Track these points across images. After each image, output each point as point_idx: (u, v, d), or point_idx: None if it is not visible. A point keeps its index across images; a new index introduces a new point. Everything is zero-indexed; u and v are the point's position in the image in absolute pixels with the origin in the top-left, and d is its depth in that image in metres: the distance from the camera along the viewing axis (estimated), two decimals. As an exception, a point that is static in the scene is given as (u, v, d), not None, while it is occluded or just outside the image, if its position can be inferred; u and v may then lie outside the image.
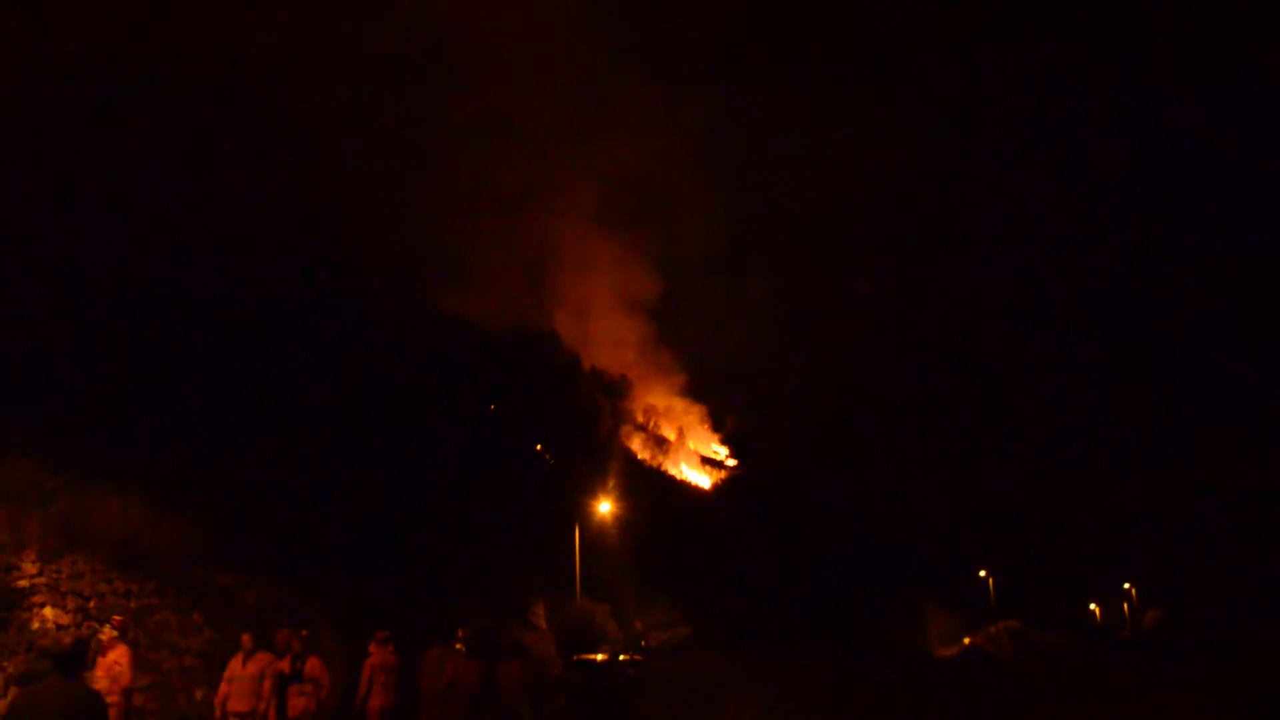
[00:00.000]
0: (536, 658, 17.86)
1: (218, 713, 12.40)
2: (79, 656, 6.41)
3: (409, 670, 14.23)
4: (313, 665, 12.89)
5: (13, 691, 12.46)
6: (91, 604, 14.62)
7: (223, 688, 12.45)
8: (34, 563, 14.37)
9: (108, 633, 13.15)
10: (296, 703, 12.54)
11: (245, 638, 12.74)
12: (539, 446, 49.51)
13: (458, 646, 14.07)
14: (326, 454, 26.22)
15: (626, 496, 39.50)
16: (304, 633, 13.46)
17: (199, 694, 15.39)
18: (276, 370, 27.47)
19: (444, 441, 34.73)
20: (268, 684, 12.35)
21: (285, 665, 12.69)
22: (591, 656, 24.02)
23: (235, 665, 12.49)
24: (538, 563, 31.42)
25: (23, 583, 14.03)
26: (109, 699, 11.34)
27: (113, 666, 12.09)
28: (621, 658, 24.42)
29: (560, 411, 54.06)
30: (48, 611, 13.96)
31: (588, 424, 60.19)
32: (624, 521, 38.33)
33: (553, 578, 31.41)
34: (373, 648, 13.97)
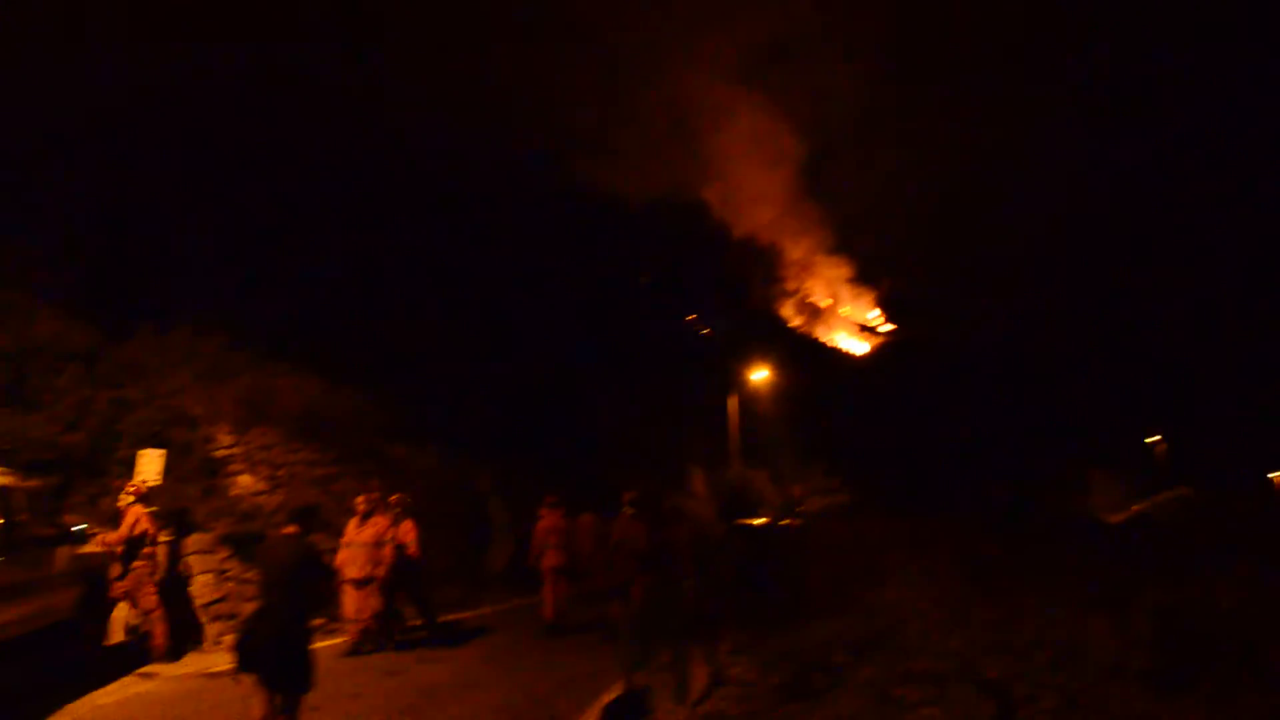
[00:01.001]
0: (699, 522, 18.19)
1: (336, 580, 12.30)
2: (309, 518, 7.55)
3: (575, 533, 14.81)
4: (406, 529, 12.89)
5: (223, 551, 13.56)
6: (281, 472, 15.62)
7: (341, 554, 12.32)
8: (229, 434, 15.42)
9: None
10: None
11: (359, 501, 12.61)
12: (692, 317, 49.74)
13: (625, 510, 14.46)
14: (490, 330, 26.96)
15: (780, 364, 39.31)
16: (406, 496, 13.44)
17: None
18: (436, 248, 28.17)
19: (599, 316, 35.21)
20: (388, 550, 12.28)
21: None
22: (751, 521, 24.39)
23: (350, 530, 12.45)
24: (695, 432, 31.86)
25: (221, 453, 15.11)
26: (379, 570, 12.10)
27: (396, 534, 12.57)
28: (782, 522, 24.74)
29: (711, 281, 53.90)
30: (244, 479, 15.01)
31: (739, 292, 59.95)
32: (779, 389, 38.28)
33: (710, 446, 31.86)
34: (543, 512, 14.59)
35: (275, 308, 19.02)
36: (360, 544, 12.24)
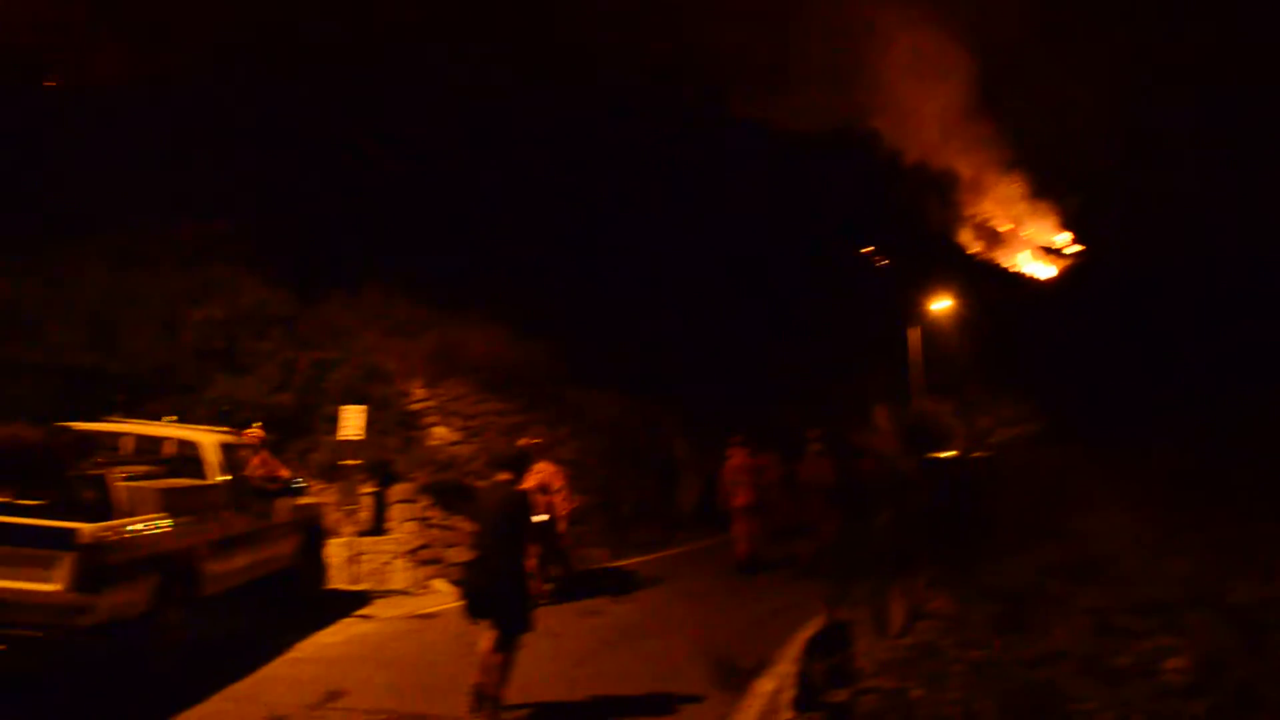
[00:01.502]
0: (886, 457, 17.84)
1: None
2: (519, 464, 7.71)
3: (762, 471, 14.76)
4: (552, 475, 12.63)
5: (424, 500, 14.16)
6: (473, 422, 16.14)
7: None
8: (422, 388, 16.03)
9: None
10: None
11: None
12: (869, 249, 48.48)
13: (811, 448, 14.27)
14: (667, 271, 26.88)
15: (963, 292, 37.87)
16: (542, 441, 13.24)
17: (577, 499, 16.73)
18: (605, 193, 28.25)
19: (775, 252, 34.66)
20: (559, 499, 12.10)
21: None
22: (941, 455, 23.73)
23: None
24: (877, 366, 31.16)
25: (416, 406, 15.72)
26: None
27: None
28: (973, 455, 23.96)
29: (888, 211, 52.30)
30: (439, 430, 15.58)
31: (917, 221, 57.98)
32: (962, 319, 36.92)
33: (893, 380, 31.13)
34: (730, 451, 14.59)
35: (456, 264, 19.54)
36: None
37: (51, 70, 22.07)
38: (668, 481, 20.35)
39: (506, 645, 7.24)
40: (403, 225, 20.10)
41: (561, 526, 12.43)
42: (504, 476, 7.64)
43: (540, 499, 11.69)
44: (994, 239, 68.19)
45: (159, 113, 19.73)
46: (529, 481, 11.67)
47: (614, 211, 24.82)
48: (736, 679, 8.61)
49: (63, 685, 7.93)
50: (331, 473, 13.76)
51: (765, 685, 8.43)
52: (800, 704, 7.08)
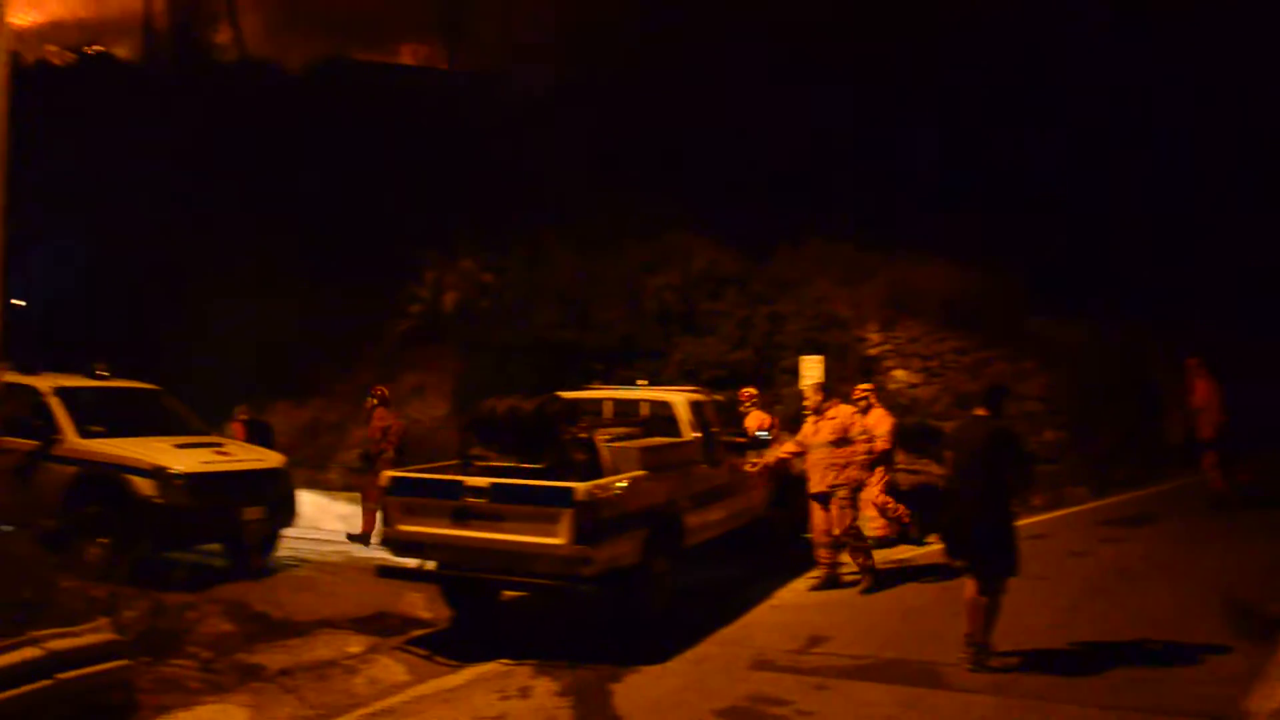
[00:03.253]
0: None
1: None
2: (997, 398, 7.39)
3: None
4: (877, 418, 11.21)
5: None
6: (932, 362, 15.65)
7: (797, 464, 10.41)
8: (877, 332, 15.82)
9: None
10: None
11: (809, 393, 10.30)
12: None
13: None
14: (1145, 182, 23.98)
15: None
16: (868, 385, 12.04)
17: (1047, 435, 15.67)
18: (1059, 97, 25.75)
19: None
20: (859, 448, 9.94)
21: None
22: None
23: (806, 431, 10.05)
24: None
25: (872, 350, 15.57)
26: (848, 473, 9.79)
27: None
28: None
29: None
30: (898, 373, 15.31)
31: None
32: None
33: None
34: (1192, 377, 13.19)
35: (899, 202, 18.99)
36: (820, 445, 9.78)
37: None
38: (1151, 413, 18.40)
39: (990, 589, 6.94)
40: (836, 172, 19.87)
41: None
42: (980, 412, 7.32)
43: (837, 453, 9.76)
44: None
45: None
46: (824, 433, 9.83)
47: (1069, 116, 22.44)
48: (1263, 628, 7.58)
49: (572, 627, 8.81)
50: (795, 424, 14.01)
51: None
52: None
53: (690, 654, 7.66)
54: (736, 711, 6.25)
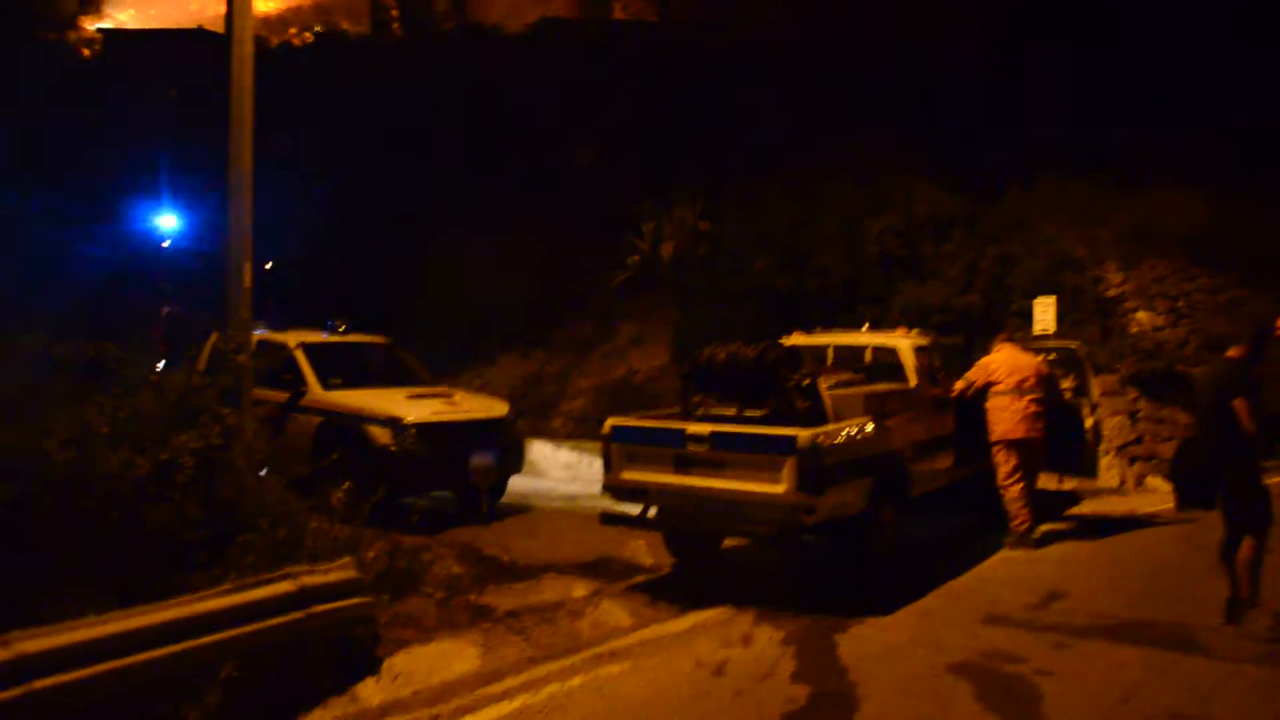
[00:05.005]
0: None
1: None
2: (1258, 341, 6.84)
3: None
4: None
5: (1132, 392, 13.09)
6: (1180, 303, 14.46)
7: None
8: (1116, 271, 14.76)
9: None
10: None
11: (999, 339, 9.98)
12: None
13: None
14: None
15: None
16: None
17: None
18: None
19: None
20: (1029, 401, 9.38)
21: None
22: None
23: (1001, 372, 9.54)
24: None
25: (1111, 291, 14.54)
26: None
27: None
28: None
29: None
30: (1140, 315, 14.24)
31: None
32: None
33: None
34: None
35: (1134, 131, 17.50)
36: (1005, 392, 9.46)
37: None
38: None
39: (1241, 542, 6.37)
40: (1065, 101, 18.49)
41: None
42: (1233, 353, 6.76)
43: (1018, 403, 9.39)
44: None
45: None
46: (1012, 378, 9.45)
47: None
48: None
49: (795, 576, 8.73)
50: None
51: None
52: None
53: (918, 606, 7.44)
54: (969, 668, 6.01)
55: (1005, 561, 8.93)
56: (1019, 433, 9.37)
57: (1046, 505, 10.70)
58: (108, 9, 35.60)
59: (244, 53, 7.90)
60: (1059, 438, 9.87)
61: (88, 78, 28.39)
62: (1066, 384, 10.49)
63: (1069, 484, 12.06)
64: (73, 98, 24.59)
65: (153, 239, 21.31)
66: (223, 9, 8.16)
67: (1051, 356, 10.55)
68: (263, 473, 7.04)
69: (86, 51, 31.43)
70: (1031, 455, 9.49)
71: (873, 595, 7.54)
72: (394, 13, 31.13)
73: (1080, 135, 17.31)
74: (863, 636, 6.71)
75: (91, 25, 33.20)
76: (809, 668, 6.09)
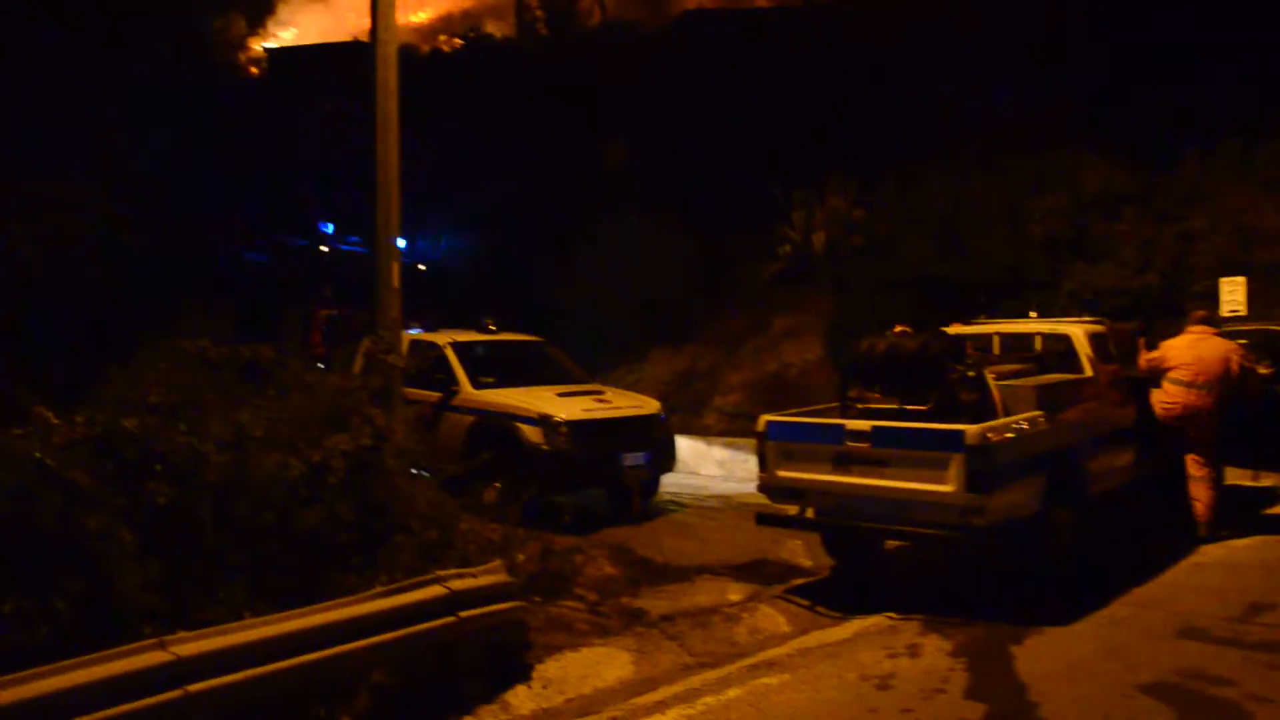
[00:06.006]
0: None
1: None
2: None
3: None
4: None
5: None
6: None
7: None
8: None
9: None
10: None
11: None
12: None
13: None
14: None
15: None
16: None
17: None
18: None
19: None
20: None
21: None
22: None
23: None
24: None
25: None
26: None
27: None
28: None
29: None
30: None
31: None
32: None
33: None
34: None
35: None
36: (1177, 381, 8.96)
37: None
38: None
39: None
40: (1252, 58, 16.94)
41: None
42: None
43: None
44: None
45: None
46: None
47: None
48: None
49: (964, 581, 8.21)
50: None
51: None
52: None
53: (1101, 615, 6.84)
54: (1167, 689, 5.42)
55: (1197, 567, 8.17)
56: (1181, 423, 8.75)
57: (1241, 504, 9.81)
58: (274, 29, 37.27)
59: (388, 52, 7.92)
60: (1256, 430, 9.02)
61: (254, 93, 29.68)
62: (1264, 370, 9.55)
63: (1266, 480, 11.02)
64: (241, 113, 25.71)
65: (313, 245, 22.05)
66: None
67: (1244, 341, 9.65)
68: (418, 472, 7.02)
69: (255, 70, 32.90)
70: (1202, 447, 8.73)
71: (1051, 603, 6.98)
72: (539, 13, 31.42)
73: (1270, 93, 15.89)
74: (1041, 649, 6.19)
75: (258, 45, 34.76)
76: (983, 683, 5.64)
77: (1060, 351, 9.09)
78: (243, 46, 33.90)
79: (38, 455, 5.27)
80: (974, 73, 18.09)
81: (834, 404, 8.59)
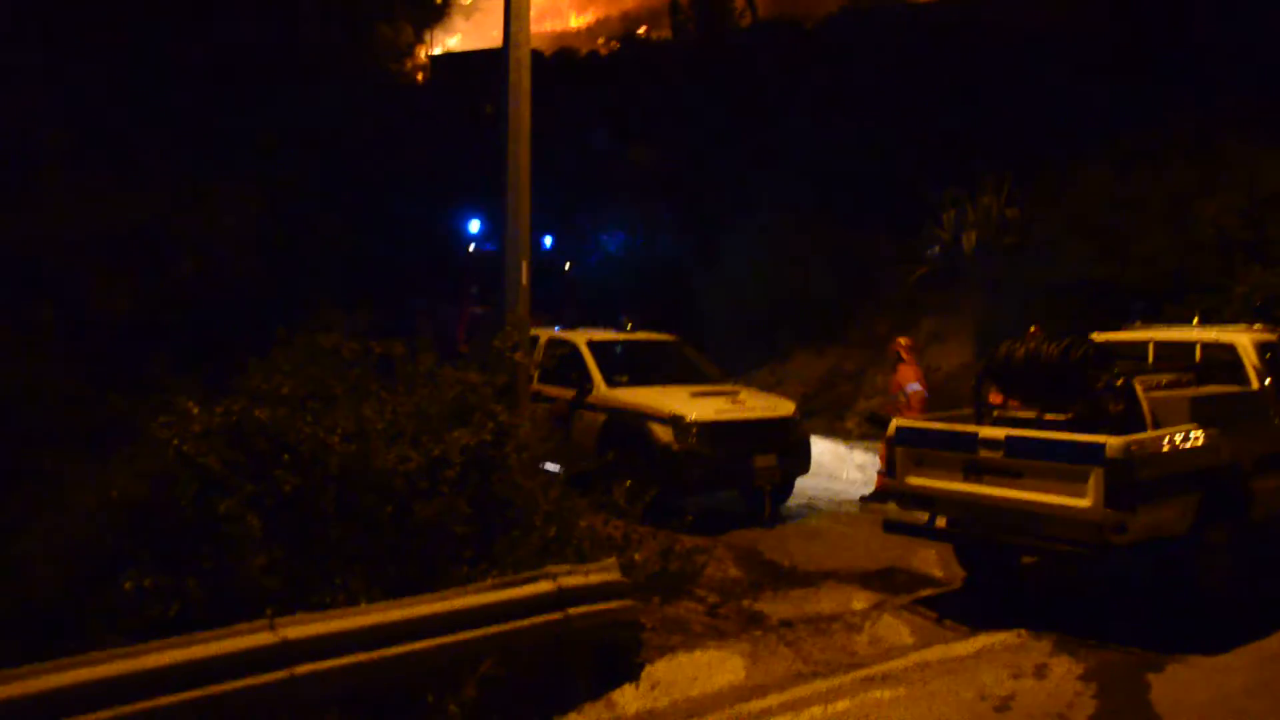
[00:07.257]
0: None
1: None
2: None
3: None
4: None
5: None
6: None
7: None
8: None
9: None
10: None
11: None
12: None
13: None
14: None
15: None
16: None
17: None
18: None
19: None
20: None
21: None
22: None
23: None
24: None
25: None
26: None
27: None
28: None
29: None
30: None
31: None
32: None
33: None
34: None
35: None
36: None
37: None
38: None
39: None
40: None
41: None
42: None
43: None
44: None
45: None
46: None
47: None
48: None
49: (1104, 601, 7.75)
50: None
51: None
52: None
53: (1257, 648, 6.36)
54: (1323, 730, 4.99)
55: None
56: None
57: None
58: (440, 36, 38.46)
59: (520, 56, 8.04)
60: None
61: (419, 97, 30.69)
62: None
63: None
64: (406, 117, 26.59)
65: (462, 244, 22.59)
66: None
67: None
68: (552, 467, 7.08)
69: (420, 76, 34.05)
70: None
71: (1200, 630, 6.52)
72: (690, 14, 31.44)
73: None
74: (1183, 679, 5.78)
75: (424, 53, 35.95)
76: (1112, 712, 5.31)
77: (1225, 362, 8.47)
78: (410, 54, 35.20)
79: (175, 442, 5.58)
80: (1132, 66, 17.08)
81: (968, 410, 8.26)
